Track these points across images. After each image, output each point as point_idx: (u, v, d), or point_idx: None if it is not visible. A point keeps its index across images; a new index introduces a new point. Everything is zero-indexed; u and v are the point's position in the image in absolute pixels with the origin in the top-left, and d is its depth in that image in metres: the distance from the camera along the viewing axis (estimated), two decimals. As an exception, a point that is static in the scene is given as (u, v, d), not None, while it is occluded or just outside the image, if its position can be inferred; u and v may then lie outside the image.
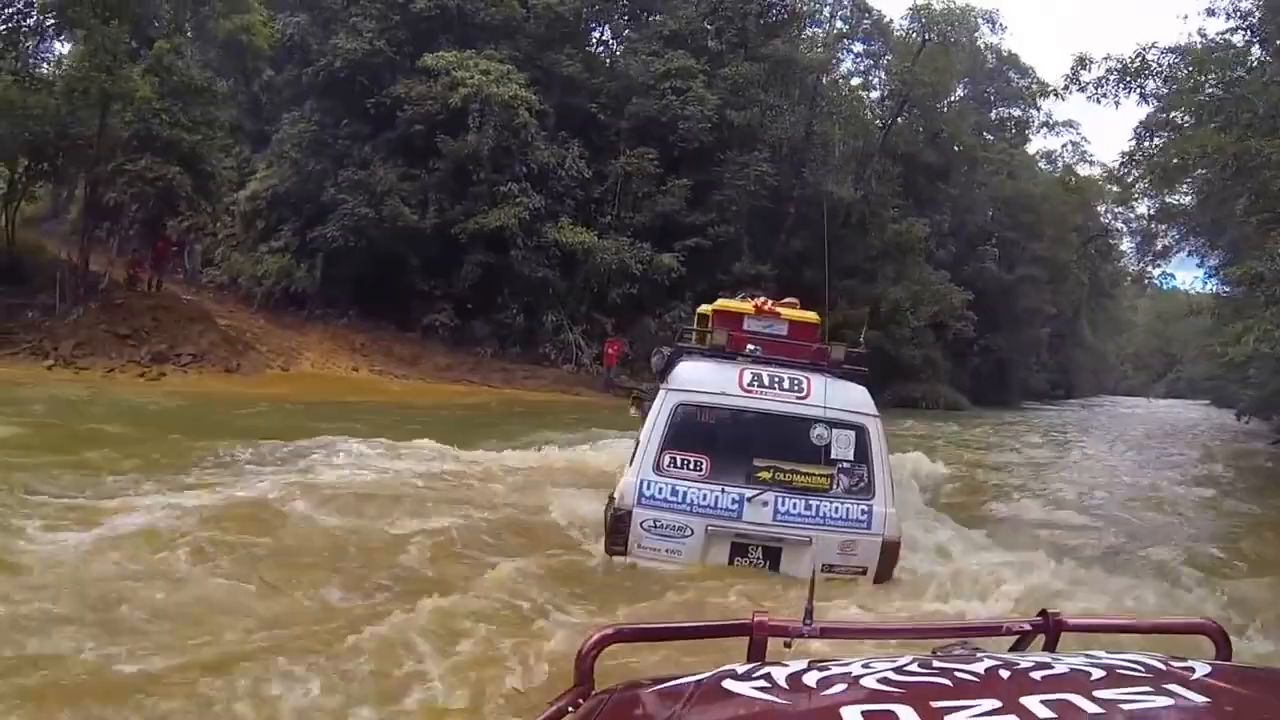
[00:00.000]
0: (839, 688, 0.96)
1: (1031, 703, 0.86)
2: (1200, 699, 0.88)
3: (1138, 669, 0.97)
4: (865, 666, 1.01)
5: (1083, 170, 42.97)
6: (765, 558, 5.75)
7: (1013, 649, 1.34)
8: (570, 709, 1.15)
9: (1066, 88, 19.80)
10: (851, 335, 10.52)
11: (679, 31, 29.10)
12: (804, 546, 5.64)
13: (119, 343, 18.80)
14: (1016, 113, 42.21)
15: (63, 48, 22.93)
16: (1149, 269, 34.50)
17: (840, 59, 33.39)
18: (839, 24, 35.83)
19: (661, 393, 5.99)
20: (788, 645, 1.28)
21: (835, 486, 5.78)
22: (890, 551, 5.75)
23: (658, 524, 5.67)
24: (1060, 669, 0.98)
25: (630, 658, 2.64)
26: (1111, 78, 18.33)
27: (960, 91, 39.09)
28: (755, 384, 5.93)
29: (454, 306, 24.45)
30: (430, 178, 24.56)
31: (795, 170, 28.76)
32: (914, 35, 33.78)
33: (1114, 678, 0.94)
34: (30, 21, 19.64)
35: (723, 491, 5.71)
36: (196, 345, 19.48)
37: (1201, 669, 0.96)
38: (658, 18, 29.79)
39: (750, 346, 6.59)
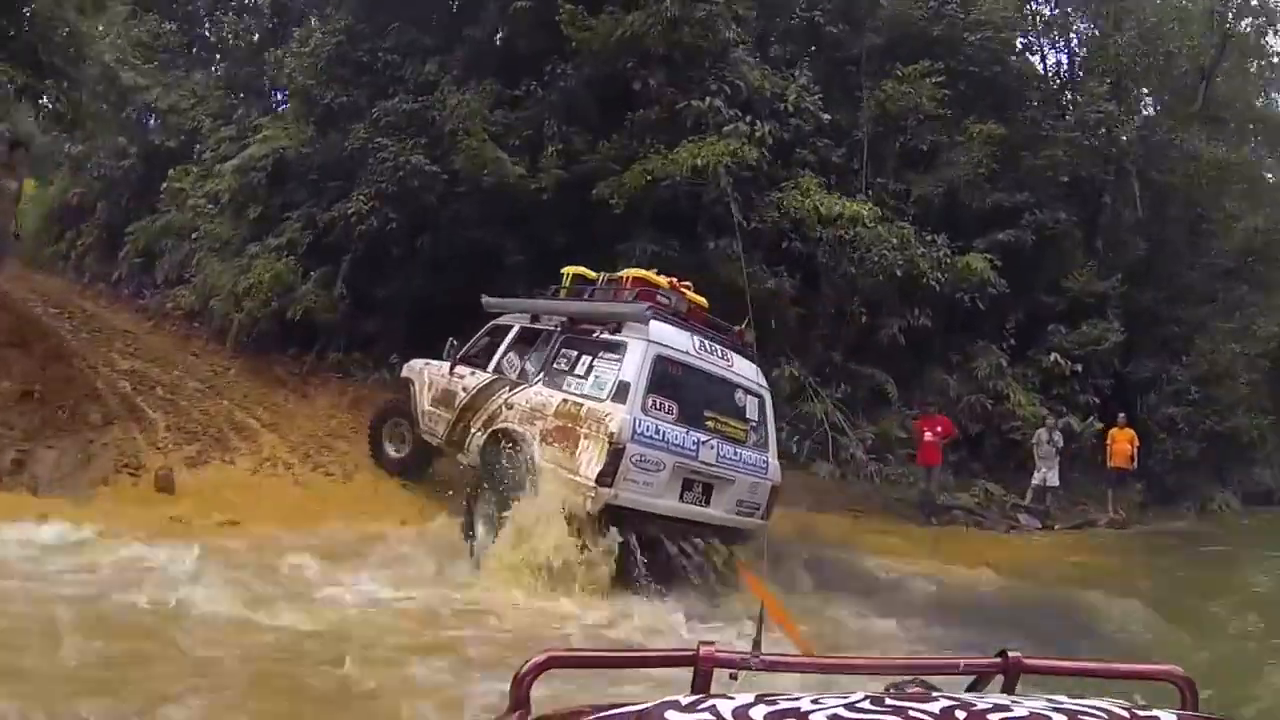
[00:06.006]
0: None
1: None
2: None
3: (1101, 716, 0.93)
4: (815, 702, 0.97)
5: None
6: (703, 493, 6.67)
7: (969, 689, 1.27)
8: None
9: None
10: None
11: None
12: (729, 484, 6.77)
13: None
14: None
15: None
16: None
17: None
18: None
19: (642, 344, 6.51)
20: (733, 678, 1.21)
21: (749, 439, 7.02)
22: (775, 493, 7.10)
23: (643, 459, 6.26)
24: (1019, 712, 0.94)
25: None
26: None
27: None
28: (702, 348, 6.91)
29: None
30: (549, 95, 12.96)
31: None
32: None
33: None
34: None
35: (687, 433, 6.52)
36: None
37: (1167, 719, 0.93)
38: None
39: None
